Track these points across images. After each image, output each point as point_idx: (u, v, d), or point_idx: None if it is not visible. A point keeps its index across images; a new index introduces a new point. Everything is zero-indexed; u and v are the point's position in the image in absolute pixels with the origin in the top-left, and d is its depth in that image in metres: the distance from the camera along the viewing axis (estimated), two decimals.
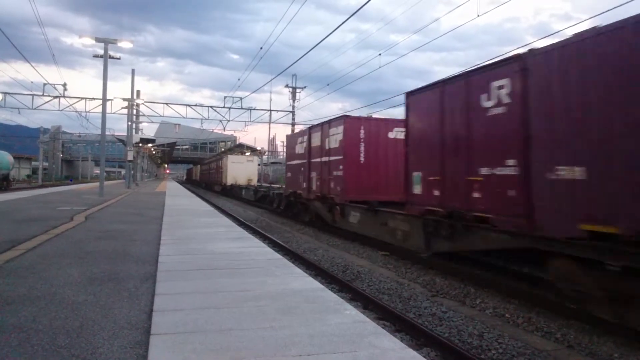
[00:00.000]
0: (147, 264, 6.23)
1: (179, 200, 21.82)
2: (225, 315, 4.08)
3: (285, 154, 30.41)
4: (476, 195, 8.57)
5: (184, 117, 38.48)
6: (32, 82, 33.87)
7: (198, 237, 8.94)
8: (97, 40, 21.54)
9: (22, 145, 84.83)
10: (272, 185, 39.49)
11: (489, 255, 9.71)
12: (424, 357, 3.39)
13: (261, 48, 24.18)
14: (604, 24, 6.25)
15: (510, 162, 7.74)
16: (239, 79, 54.70)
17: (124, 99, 33.55)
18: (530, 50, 7.50)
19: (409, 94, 11.04)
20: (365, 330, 3.76)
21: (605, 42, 6.13)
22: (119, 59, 24.30)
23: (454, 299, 8.08)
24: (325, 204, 16.56)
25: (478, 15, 13.24)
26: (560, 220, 6.74)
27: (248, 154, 50.41)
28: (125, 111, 33.87)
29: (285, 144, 33.72)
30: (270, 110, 40.97)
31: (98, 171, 40.43)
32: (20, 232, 8.82)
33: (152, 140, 46.61)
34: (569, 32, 8.46)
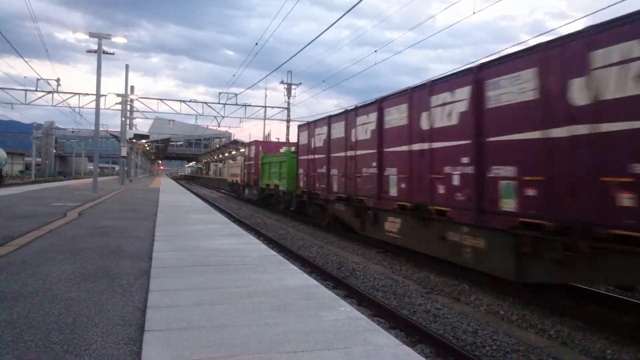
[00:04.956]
0: (141, 260, 6.20)
1: (172, 196, 21.76)
2: (219, 311, 4.06)
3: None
4: None
5: (178, 113, 38.44)
6: (25, 77, 33.99)
7: (192, 234, 8.91)
8: (91, 35, 21.38)
9: (15, 141, 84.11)
10: None
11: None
12: (419, 353, 3.39)
13: (256, 44, 24.15)
14: None
15: None
16: (233, 75, 54.19)
17: (118, 95, 33.39)
18: None
19: None
20: (359, 327, 3.76)
21: None
22: (112, 54, 24.21)
23: (449, 296, 8.11)
24: None
25: (474, 13, 13.23)
26: None
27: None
28: (119, 107, 33.69)
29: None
30: (265, 107, 40.91)
31: (91, 167, 40.19)
32: (13, 228, 8.76)
33: (146, 136, 46.48)
34: (564, 30, 8.50)
